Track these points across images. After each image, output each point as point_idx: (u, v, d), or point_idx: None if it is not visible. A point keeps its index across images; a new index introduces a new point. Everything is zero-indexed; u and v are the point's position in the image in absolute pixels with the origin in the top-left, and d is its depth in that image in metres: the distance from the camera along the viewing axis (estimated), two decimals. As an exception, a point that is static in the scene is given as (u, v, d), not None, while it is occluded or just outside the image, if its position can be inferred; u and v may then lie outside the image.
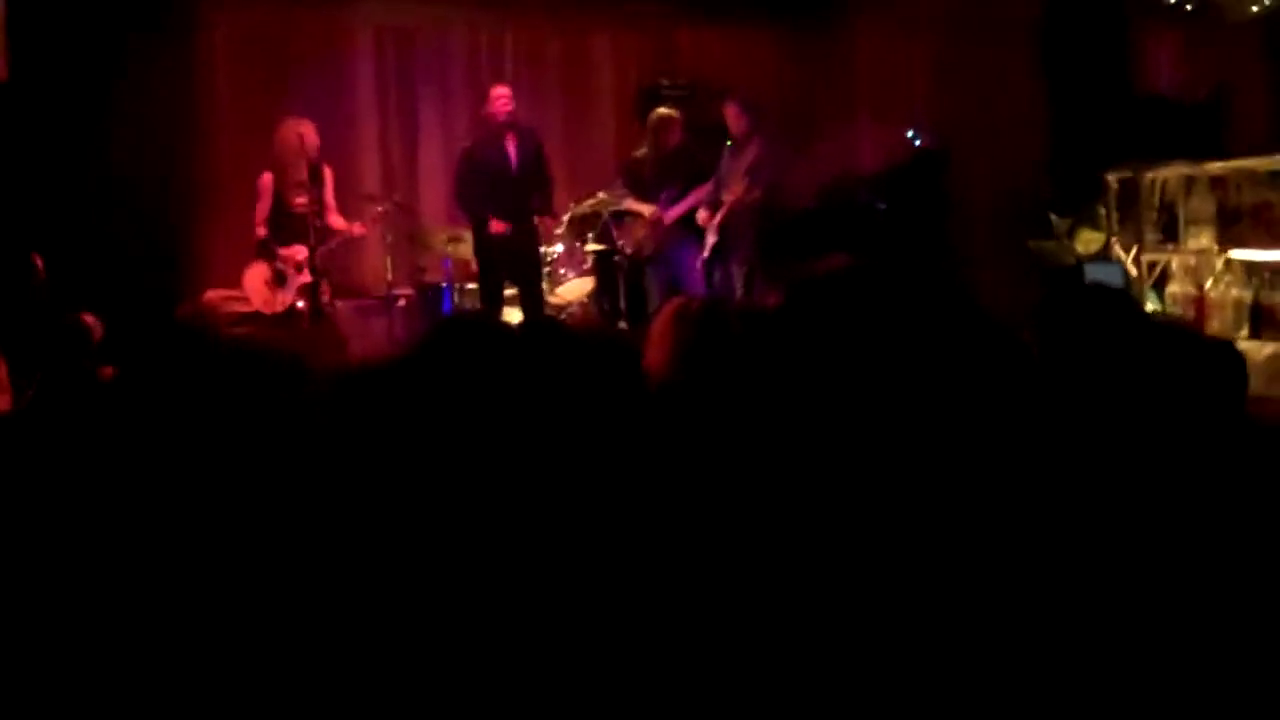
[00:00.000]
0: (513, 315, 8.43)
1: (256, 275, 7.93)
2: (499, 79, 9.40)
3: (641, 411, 2.52)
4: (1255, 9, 8.39)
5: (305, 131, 7.88)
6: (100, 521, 2.11)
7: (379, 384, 2.40)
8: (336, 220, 8.08)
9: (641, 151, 8.96)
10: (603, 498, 2.07)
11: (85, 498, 2.17)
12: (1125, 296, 2.61)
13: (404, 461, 2.16)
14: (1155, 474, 1.76)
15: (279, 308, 7.84)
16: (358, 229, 8.19)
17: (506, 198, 8.17)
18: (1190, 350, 1.94)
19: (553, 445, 2.19)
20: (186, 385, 2.53)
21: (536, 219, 8.38)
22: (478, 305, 8.50)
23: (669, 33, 10.55)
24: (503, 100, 8.19)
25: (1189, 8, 8.57)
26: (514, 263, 8.21)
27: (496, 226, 8.16)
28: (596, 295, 9.00)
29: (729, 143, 8.88)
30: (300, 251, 7.87)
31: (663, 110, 8.94)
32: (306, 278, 7.89)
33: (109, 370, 4.66)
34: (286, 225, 7.91)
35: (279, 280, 7.86)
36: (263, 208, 7.94)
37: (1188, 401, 1.81)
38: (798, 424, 1.98)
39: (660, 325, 4.01)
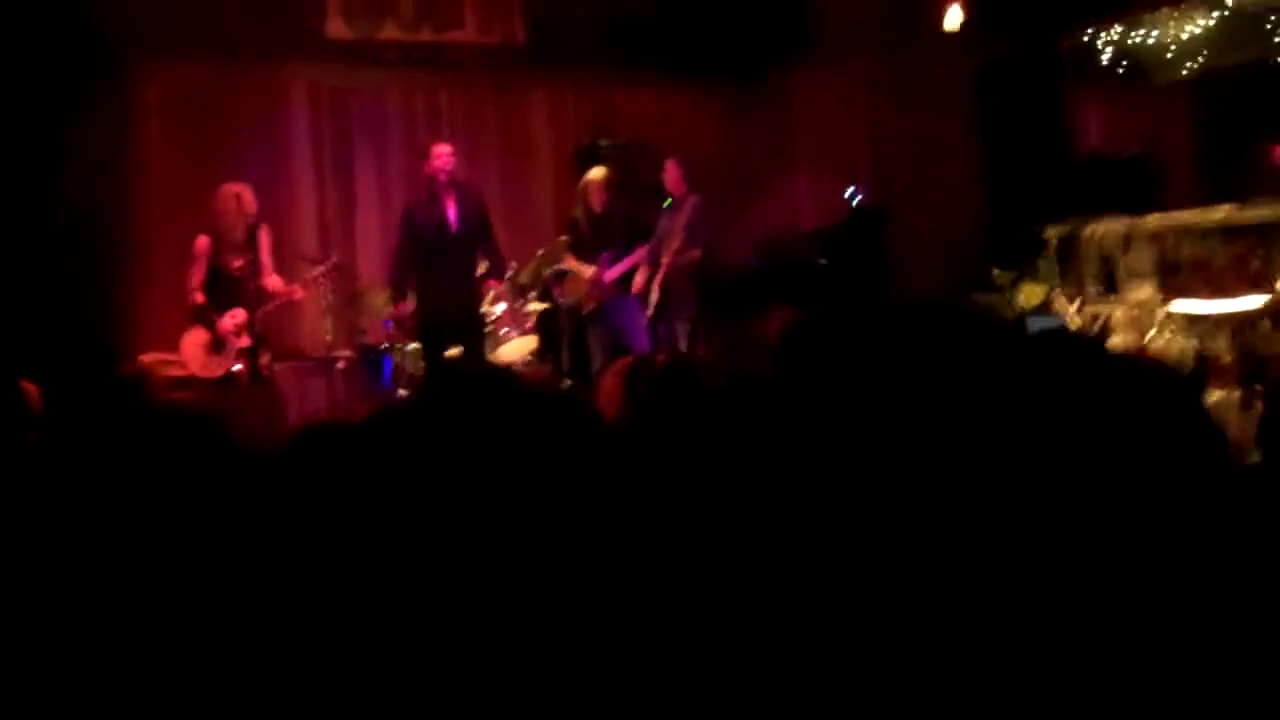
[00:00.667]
0: (455, 375, 8.35)
1: (194, 341, 7.74)
2: (436, 139, 9.37)
3: (604, 456, 2.49)
4: (1184, 72, 8.57)
5: (242, 193, 7.74)
6: (32, 581, 2.08)
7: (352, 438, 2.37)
8: (274, 282, 7.92)
9: (577, 212, 8.97)
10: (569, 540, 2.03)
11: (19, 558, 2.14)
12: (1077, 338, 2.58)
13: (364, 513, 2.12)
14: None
15: (217, 372, 7.66)
16: (297, 292, 8.03)
17: (446, 258, 8.08)
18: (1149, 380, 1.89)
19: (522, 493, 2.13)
20: (117, 446, 2.49)
21: (488, 283, 8.33)
22: (420, 367, 8.41)
23: (606, 92, 10.58)
24: (444, 158, 8.12)
25: (1121, 69, 8.73)
26: (455, 323, 8.12)
27: (402, 309, 8.12)
28: (539, 354, 8.93)
29: (666, 202, 8.93)
30: (238, 315, 7.70)
31: (590, 174, 8.96)
32: (245, 341, 7.71)
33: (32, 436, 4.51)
34: (224, 288, 7.73)
35: (217, 346, 7.68)
36: (198, 272, 7.74)
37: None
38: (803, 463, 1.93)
39: (611, 381, 3.98)
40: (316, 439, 2.50)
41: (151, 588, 2.04)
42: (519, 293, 9.04)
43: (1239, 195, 7.24)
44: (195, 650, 1.92)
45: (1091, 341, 2.32)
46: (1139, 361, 2.04)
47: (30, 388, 4.74)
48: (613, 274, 8.82)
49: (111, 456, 2.38)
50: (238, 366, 7.70)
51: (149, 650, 1.93)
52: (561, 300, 8.90)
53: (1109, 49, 8.52)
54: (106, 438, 2.47)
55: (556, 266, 8.92)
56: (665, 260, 8.67)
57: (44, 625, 1.99)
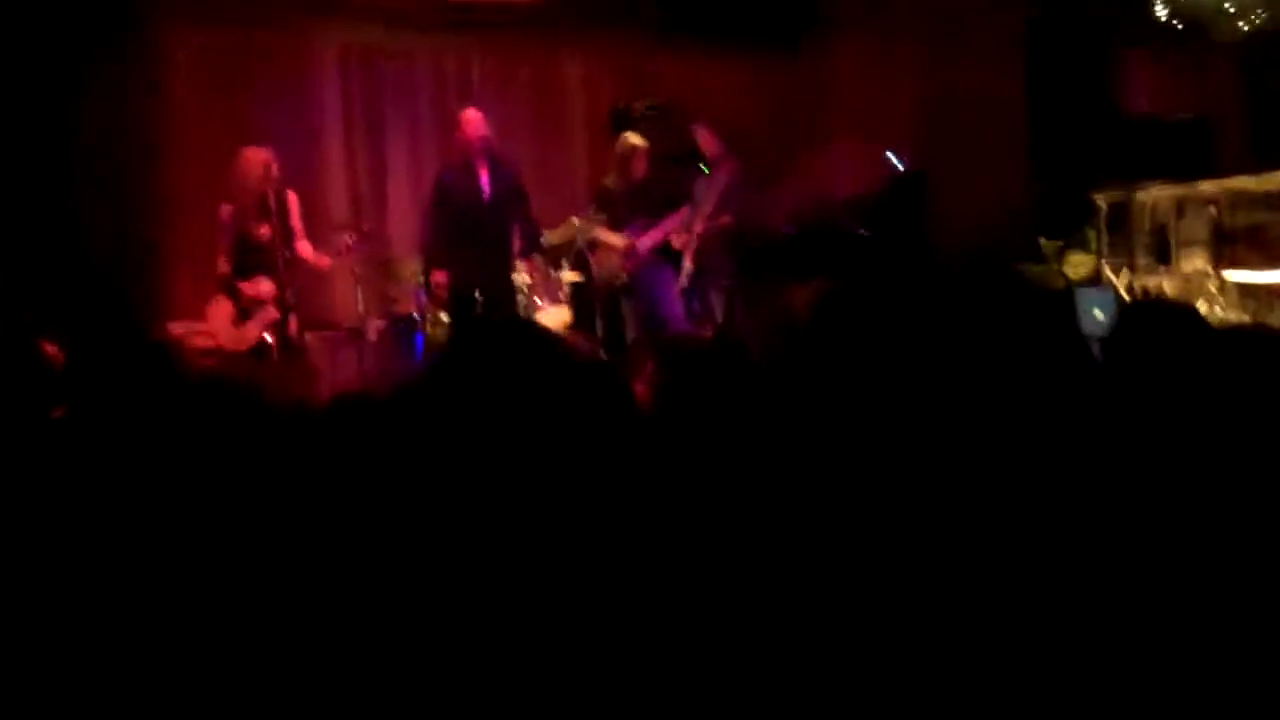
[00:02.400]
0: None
1: (220, 311, 7.62)
2: (467, 104, 9.22)
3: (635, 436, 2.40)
4: (1245, 26, 8.31)
5: (265, 159, 7.59)
6: (70, 554, 2.07)
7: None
8: (304, 248, 7.77)
9: (610, 179, 8.82)
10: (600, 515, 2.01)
11: (60, 528, 2.13)
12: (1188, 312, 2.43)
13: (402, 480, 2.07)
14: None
15: (244, 343, 7.55)
16: (324, 261, 7.89)
17: (478, 227, 7.93)
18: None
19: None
20: (153, 414, 2.47)
21: (521, 260, 8.17)
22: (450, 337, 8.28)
23: (642, 56, 10.38)
24: (474, 124, 7.95)
25: (1178, 26, 8.47)
26: (487, 293, 7.97)
27: (438, 278, 7.96)
28: (573, 325, 8.78)
29: (705, 168, 8.77)
30: (265, 284, 7.56)
31: (631, 139, 8.79)
32: (273, 313, 7.58)
33: (60, 409, 4.40)
34: (251, 257, 7.59)
35: (242, 317, 7.55)
36: (224, 242, 7.62)
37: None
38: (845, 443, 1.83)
39: (643, 360, 3.83)
40: (351, 407, 2.44)
41: (187, 556, 2.02)
42: (552, 262, 8.88)
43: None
44: (228, 622, 1.90)
45: (1190, 311, 2.17)
46: (1244, 332, 1.92)
47: (52, 349, 4.63)
48: (646, 243, 8.67)
49: (148, 425, 2.39)
50: (267, 337, 7.59)
51: (184, 620, 1.91)
52: (595, 271, 8.75)
53: (1165, 5, 8.27)
54: (143, 406, 2.52)
55: (590, 236, 8.76)
56: (698, 228, 8.51)
57: (81, 596, 1.97)
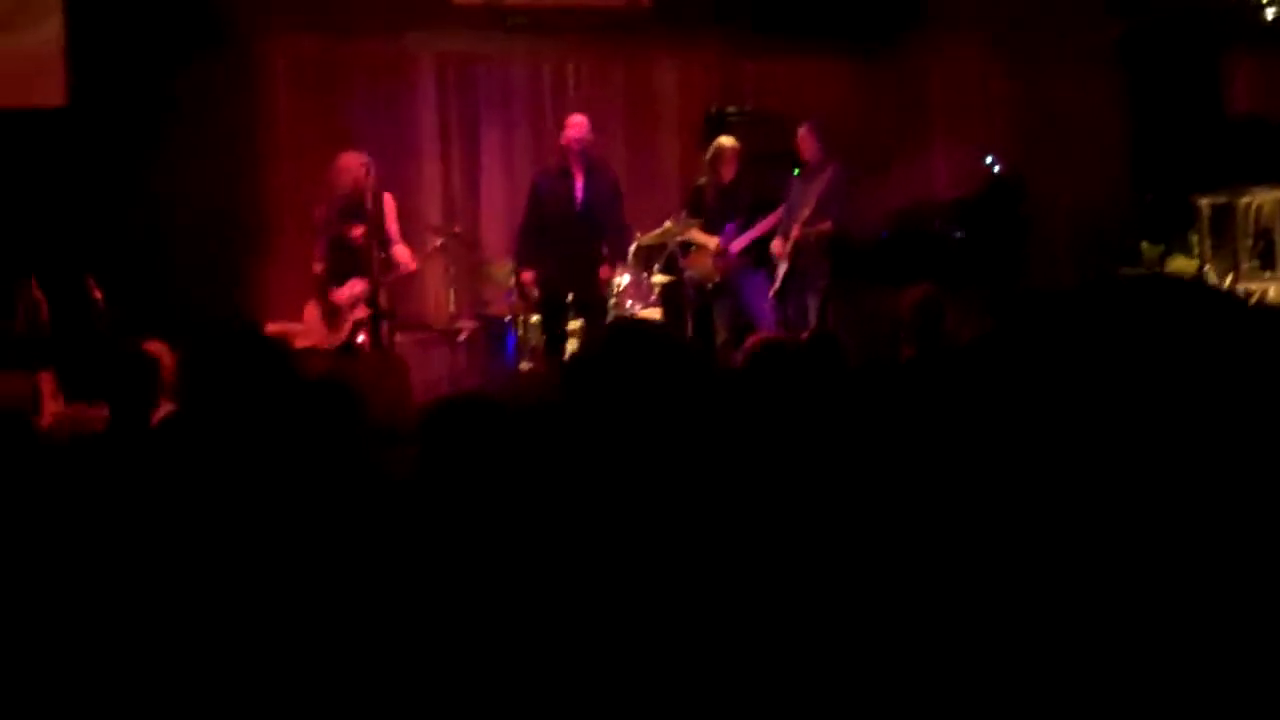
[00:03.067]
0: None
1: (313, 311, 7.76)
2: (562, 108, 9.25)
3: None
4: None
5: (361, 163, 7.66)
6: (186, 550, 2.12)
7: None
8: (400, 252, 7.84)
9: (703, 181, 8.81)
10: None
11: (179, 523, 2.17)
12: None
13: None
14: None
15: (334, 343, 7.64)
16: (412, 265, 7.95)
17: (570, 231, 7.95)
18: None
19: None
20: (270, 412, 2.50)
21: (605, 267, 8.17)
22: (542, 339, 8.30)
23: (735, 60, 10.35)
24: (577, 128, 7.99)
25: (1284, 26, 8.29)
26: (577, 297, 8.00)
27: (526, 277, 7.96)
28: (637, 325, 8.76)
29: (796, 170, 8.70)
30: (356, 286, 7.64)
31: (721, 141, 8.78)
32: (362, 312, 7.65)
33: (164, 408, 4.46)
34: (345, 258, 7.69)
35: (332, 317, 7.65)
36: (319, 244, 7.73)
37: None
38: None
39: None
40: (458, 411, 2.45)
41: (294, 550, 2.05)
42: (644, 264, 8.88)
43: None
44: (327, 616, 1.93)
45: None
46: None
47: (158, 348, 4.68)
48: (739, 245, 8.64)
49: (265, 422, 2.44)
50: (360, 337, 7.66)
51: (286, 613, 1.95)
52: (687, 273, 8.72)
53: (1273, 6, 8.09)
54: (262, 403, 2.54)
55: (681, 238, 8.74)
56: (795, 232, 8.44)
57: (195, 582, 2.02)
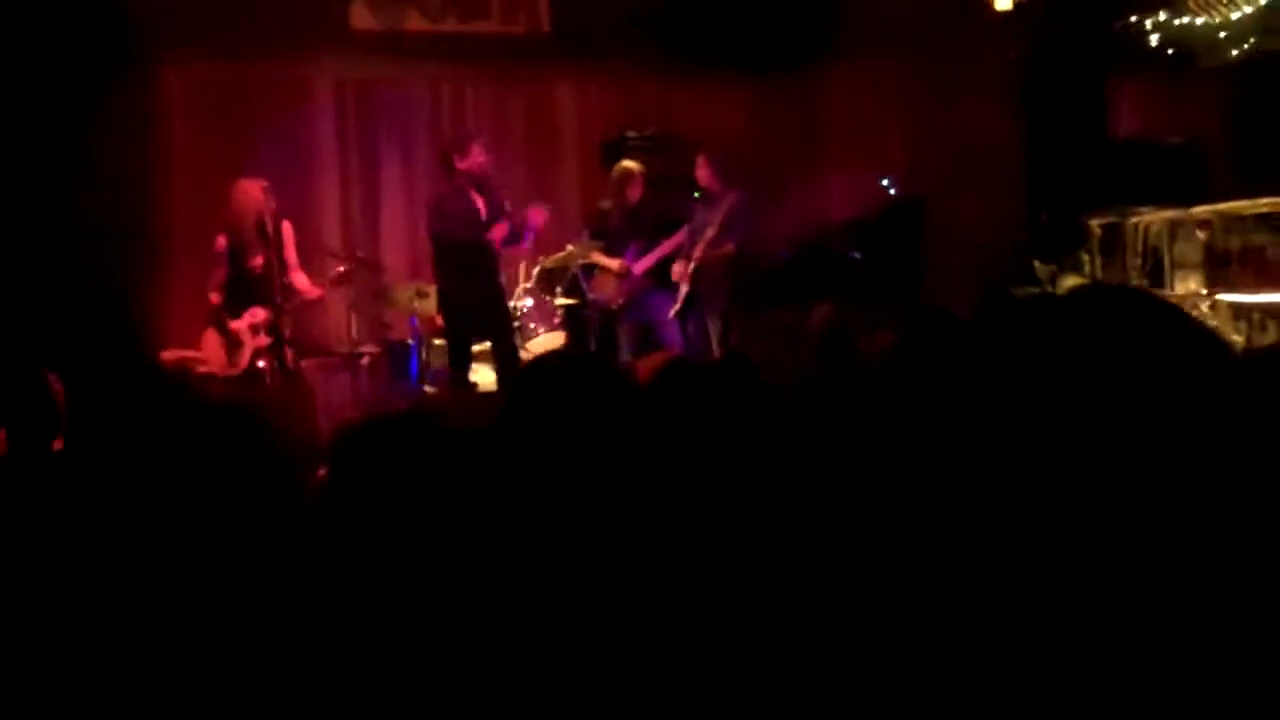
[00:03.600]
0: (483, 371, 8.22)
1: (213, 340, 7.66)
2: (471, 133, 9.25)
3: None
4: (1234, 53, 8.36)
5: (260, 191, 7.60)
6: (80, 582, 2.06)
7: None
8: (299, 279, 7.79)
9: (606, 204, 8.86)
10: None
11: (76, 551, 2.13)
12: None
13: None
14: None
15: (235, 371, 7.55)
16: (316, 291, 7.90)
17: (472, 250, 7.93)
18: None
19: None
20: (164, 440, 2.44)
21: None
22: (445, 362, 8.27)
23: (634, 84, 10.43)
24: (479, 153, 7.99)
25: (1170, 52, 8.53)
26: (482, 318, 7.97)
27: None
28: (567, 349, 8.78)
29: (696, 194, 8.78)
30: (257, 314, 7.57)
31: (625, 164, 8.85)
32: (264, 340, 7.58)
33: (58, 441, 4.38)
34: (245, 287, 7.60)
35: (232, 346, 7.56)
36: (218, 273, 7.62)
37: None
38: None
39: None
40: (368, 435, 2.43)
41: (193, 583, 2.01)
42: (547, 287, 8.89)
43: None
44: (233, 649, 1.89)
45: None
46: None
47: (54, 379, 4.61)
48: (642, 266, 8.69)
49: (158, 451, 2.34)
50: (261, 363, 7.58)
51: (189, 647, 1.90)
52: (590, 295, 8.76)
53: (1157, 33, 8.32)
54: (153, 431, 2.43)
55: (585, 261, 8.77)
56: (697, 254, 8.52)
57: (90, 621, 1.97)
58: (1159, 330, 1.40)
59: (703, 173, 8.66)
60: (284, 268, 7.64)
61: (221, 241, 7.59)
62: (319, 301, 8.22)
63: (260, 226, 7.49)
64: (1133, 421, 1.37)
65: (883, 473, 2.08)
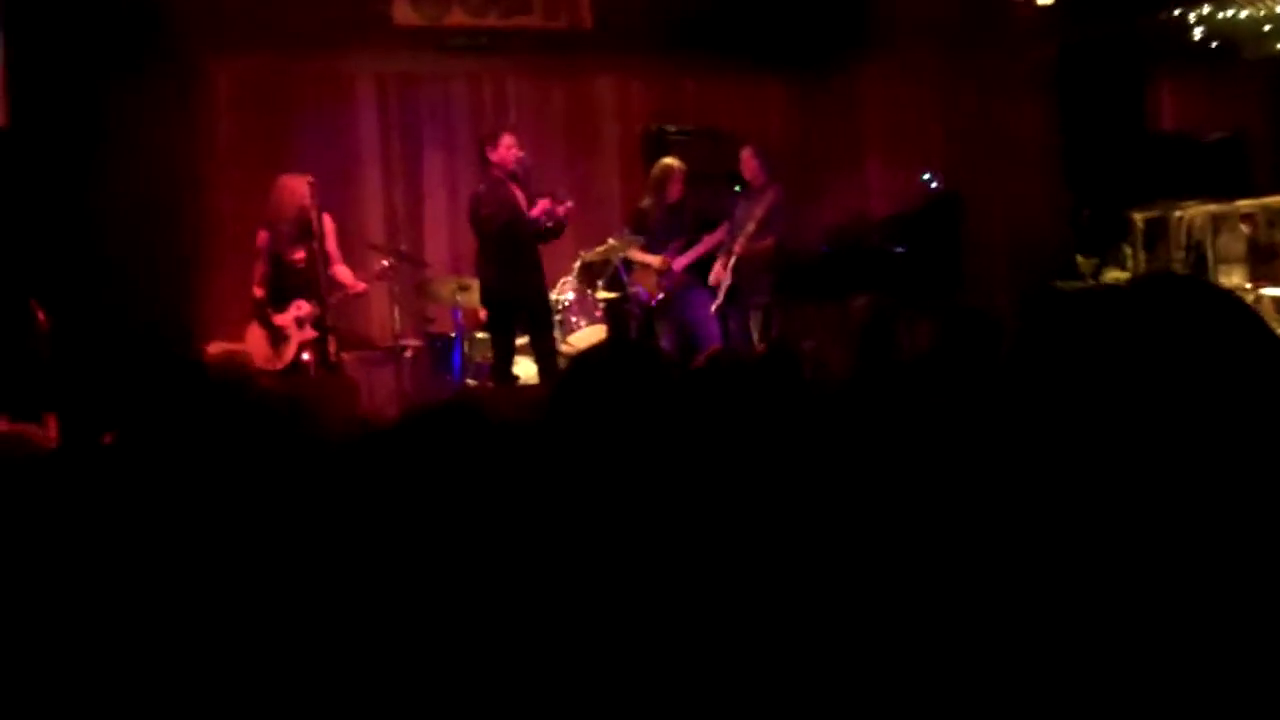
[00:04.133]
0: (524, 365, 8.26)
1: (256, 334, 7.75)
2: (503, 126, 9.29)
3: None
4: (1279, 46, 8.31)
5: (301, 186, 7.67)
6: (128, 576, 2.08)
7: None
8: (342, 273, 7.89)
9: (646, 203, 8.88)
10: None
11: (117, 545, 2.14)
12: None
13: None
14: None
15: (280, 364, 7.64)
16: (360, 286, 7.99)
17: (515, 243, 7.96)
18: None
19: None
20: (227, 433, 2.47)
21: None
22: (488, 356, 8.31)
23: (674, 79, 10.45)
24: (512, 148, 8.01)
25: (1213, 45, 8.47)
26: (525, 311, 8.01)
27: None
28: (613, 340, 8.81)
29: (737, 188, 8.81)
30: (302, 307, 7.66)
31: (666, 162, 8.88)
32: (309, 334, 7.68)
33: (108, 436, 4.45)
34: (288, 281, 7.71)
35: (276, 340, 7.66)
36: (260, 268, 7.74)
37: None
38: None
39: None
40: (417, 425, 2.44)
41: (238, 570, 2.03)
42: (588, 280, 8.92)
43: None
44: (277, 640, 1.90)
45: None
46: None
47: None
48: (682, 262, 8.73)
49: (212, 444, 2.41)
50: (305, 356, 7.66)
51: (232, 630, 1.92)
52: (631, 290, 8.79)
53: (1200, 25, 8.28)
54: (208, 425, 2.50)
55: (625, 255, 8.80)
56: (738, 249, 8.55)
57: (143, 596, 2.00)
58: (1219, 320, 1.40)
59: (748, 166, 8.70)
60: (327, 261, 7.71)
61: (263, 237, 7.70)
62: (362, 295, 8.30)
63: (303, 221, 7.58)
64: (1193, 412, 1.37)
65: (924, 466, 2.09)
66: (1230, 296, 1.45)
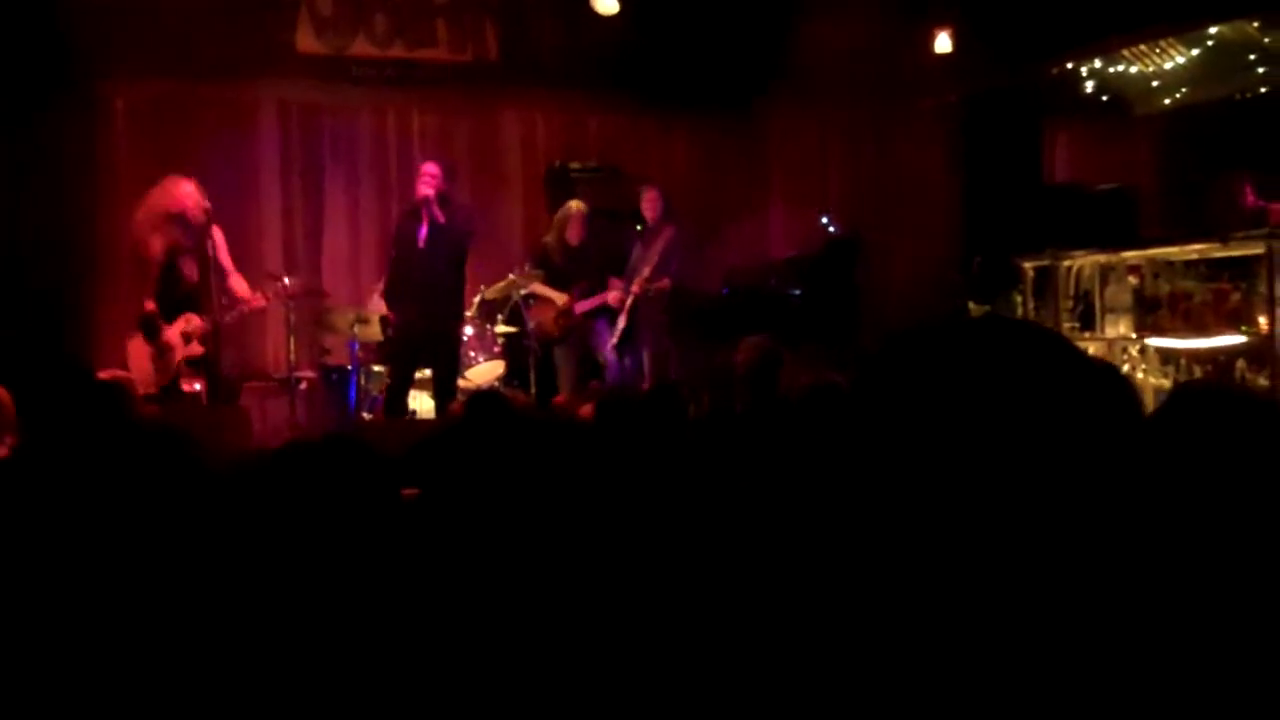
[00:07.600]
0: (422, 399, 8.21)
1: (139, 351, 7.46)
2: (407, 158, 9.27)
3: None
4: (1166, 102, 8.55)
5: (186, 186, 7.48)
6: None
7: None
8: (238, 285, 7.67)
9: (549, 238, 8.88)
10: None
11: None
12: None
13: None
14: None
15: (160, 383, 7.36)
16: (258, 300, 7.79)
17: (417, 275, 7.89)
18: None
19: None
20: (106, 457, 2.44)
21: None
22: (384, 389, 8.25)
23: (579, 115, 10.50)
24: (423, 177, 7.93)
25: (1104, 99, 8.70)
26: (425, 346, 7.93)
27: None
28: (506, 378, 8.80)
29: (639, 227, 8.87)
30: (191, 320, 7.42)
31: (570, 205, 8.88)
32: (195, 350, 7.44)
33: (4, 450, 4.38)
34: (178, 293, 7.46)
35: (160, 355, 7.40)
36: (151, 279, 7.44)
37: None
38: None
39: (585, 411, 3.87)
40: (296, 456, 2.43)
41: (129, 598, 2.00)
42: (488, 315, 8.90)
43: (1210, 230, 7.16)
44: (171, 661, 1.88)
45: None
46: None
47: (3, 393, 4.59)
48: (584, 306, 8.75)
49: (100, 468, 2.33)
50: (196, 384, 7.48)
51: (125, 659, 1.89)
52: (530, 325, 8.78)
53: (1092, 80, 8.50)
54: (98, 448, 2.43)
55: (527, 290, 8.80)
56: (635, 289, 8.61)
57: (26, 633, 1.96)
58: (1039, 356, 1.46)
59: (650, 206, 8.77)
60: (221, 273, 7.55)
61: (157, 244, 7.44)
62: (261, 321, 8.17)
63: (189, 225, 7.37)
64: (1004, 433, 1.42)
65: (798, 500, 2.13)
66: (1049, 334, 1.53)
